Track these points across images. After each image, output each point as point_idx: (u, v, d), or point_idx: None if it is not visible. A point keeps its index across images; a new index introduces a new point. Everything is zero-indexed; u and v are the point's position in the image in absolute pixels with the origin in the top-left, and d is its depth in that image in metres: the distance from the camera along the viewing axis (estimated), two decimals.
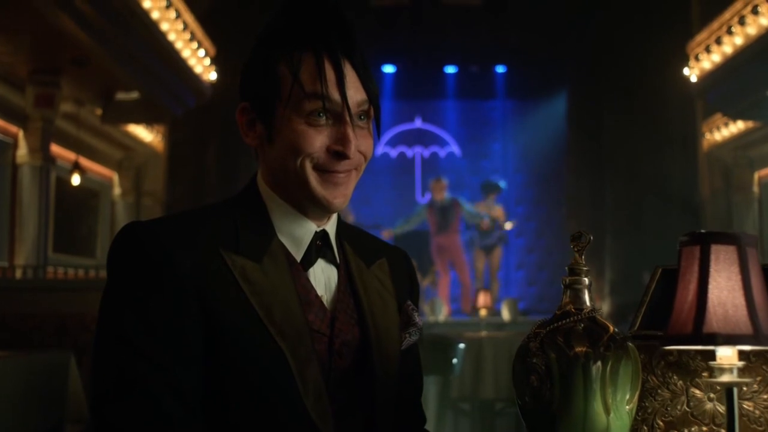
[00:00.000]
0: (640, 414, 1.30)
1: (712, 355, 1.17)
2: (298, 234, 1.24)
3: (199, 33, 8.31)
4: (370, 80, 1.22)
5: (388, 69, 12.45)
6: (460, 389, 4.93)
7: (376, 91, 1.23)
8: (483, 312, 6.84)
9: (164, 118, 9.27)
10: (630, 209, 10.62)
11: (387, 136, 12.50)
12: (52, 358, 3.79)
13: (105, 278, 1.16)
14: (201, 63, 8.55)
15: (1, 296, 4.97)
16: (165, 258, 1.12)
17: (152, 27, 7.20)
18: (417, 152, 12.67)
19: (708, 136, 9.88)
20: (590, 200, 11.35)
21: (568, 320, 1.03)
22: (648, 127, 10.27)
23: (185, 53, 8.08)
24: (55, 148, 7.85)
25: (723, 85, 8.40)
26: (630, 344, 1.04)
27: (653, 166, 10.39)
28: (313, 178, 1.19)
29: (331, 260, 1.28)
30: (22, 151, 7.44)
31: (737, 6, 7.69)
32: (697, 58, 8.74)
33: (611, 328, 1.03)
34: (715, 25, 8.22)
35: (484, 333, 5.81)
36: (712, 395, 1.28)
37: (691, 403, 1.29)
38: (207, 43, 8.58)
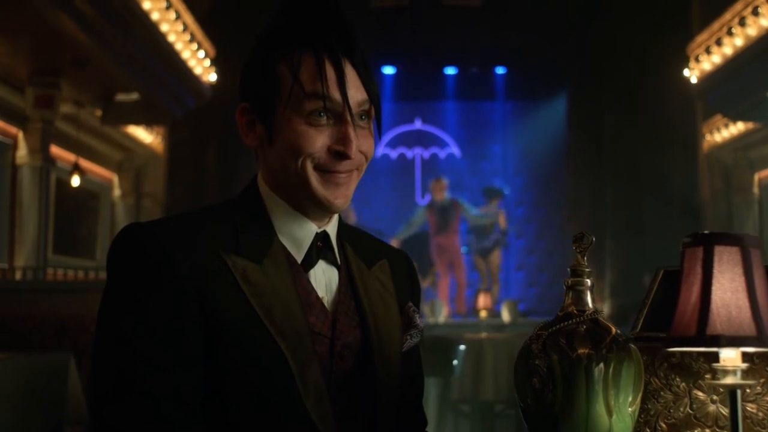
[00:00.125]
0: (642, 416, 1.29)
1: (715, 357, 1.17)
2: (298, 235, 1.23)
3: (199, 34, 8.31)
4: (370, 80, 1.21)
5: (388, 70, 12.45)
6: (460, 391, 4.93)
7: (376, 90, 1.22)
8: (483, 313, 6.83)
9: (164, 120, 9.27)
10: (630, 211, 10.62)
11: (387, 137, 12.50)
12: (51, 359, 3.79)
13: (105, 280, 1.16)
14: (201, 64, 8.55)
15: (0, 298, 4.97)
16: (165, 259, 1.12)
17: (152, 28, 7.20)
18: (417, 153, 12.67)
19: (708, 137, 9.88)
20: (590, 201, 11.35)
21: (570, 322, 1.03)
22: (648, 128, 10.27)
23: (185, 54, 8.09)
24: (55, 150, 7.85)
25: (723, 86, 8.40)
26: (632, 346, 1.03)
27: (653, 168, 10.39)
28: (314, 178, 1.19)
29: (332, 261, 1.27)
30: (22, 152, 7.44)
31: (737, 7, 7.69)
32: (697, 60, 8.74)
33: (614, 329, 1.03)
34: (715, 26, 8.22)
35: (484, 334, 5.81)
36: (715, 397, 1.27)
37: (694, 405, 1.28)
38: (207, 44, 8.58)
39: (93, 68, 6.94)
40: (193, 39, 8.12)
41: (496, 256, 10.84)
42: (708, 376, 1.26)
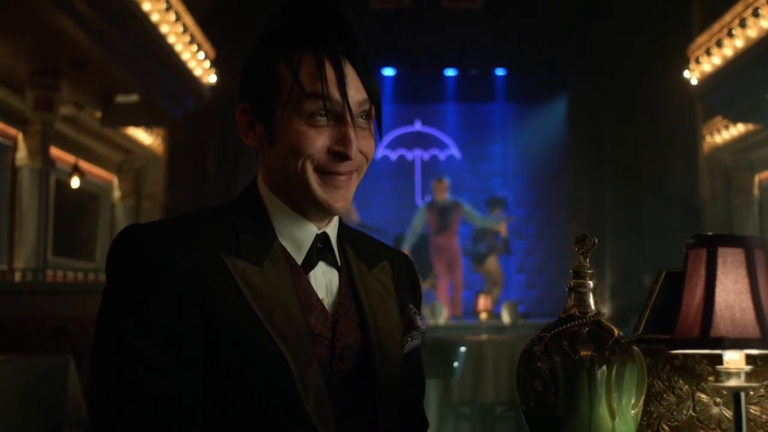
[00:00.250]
0: (645, 419, 1.28)
1: (718, 359, 1.16)
2: (299, 237, 1.23)
3: (199, 35, 8.31)
4: (370, 80, 1.20)
5: (388, 72, 12.46)
6: (460, 393, 4.92)
7: (377, 90, 1.21)
8: (483, 315, 6.81)
9: (164, 121, 9.26)
10: (630, 211, 10.61)
11: (387, 139, 12.51)
12: (51, 361, 3.78)
13: (104, 281, 1.15)
14: (201, 65, 8.55)
15: (0, 299, 4.96)
16: (164, 260, 1.11)
17: (152, 29, 7.19)
18: (417, 155, 12.68)
19: (708, 138, 9.88)
20: (590, 202, 11.35)
21: (572, 324, 1.02)
22: (648, 129, 10.27)
23: (185, 56, 8.08)
24: (55, 151, 7.85)
25: (723, 87, 8.40)
26: (635, 348, 1.02)
27: (653, 169, 10.39)
28: (314, 180, 1.18)
29: (332, 263, 1.26)
30: (22, 154, 7.43)
31: (738, 8, 7.69)
32: (697, 61, 8.74)
33: (616, 331, 1.02)
34: (715, 27, 8.22)
35: (484, 336, 5.80)
36: (718, 400, 1.27)
37: (697, 408, 1.28)
38: (207, 45, 8.58)
39: (93, 69, 6.93)
40: (193, 40, 8.12)
41: (492, 262, 10.82)
42: (711, 378, 1.26)
